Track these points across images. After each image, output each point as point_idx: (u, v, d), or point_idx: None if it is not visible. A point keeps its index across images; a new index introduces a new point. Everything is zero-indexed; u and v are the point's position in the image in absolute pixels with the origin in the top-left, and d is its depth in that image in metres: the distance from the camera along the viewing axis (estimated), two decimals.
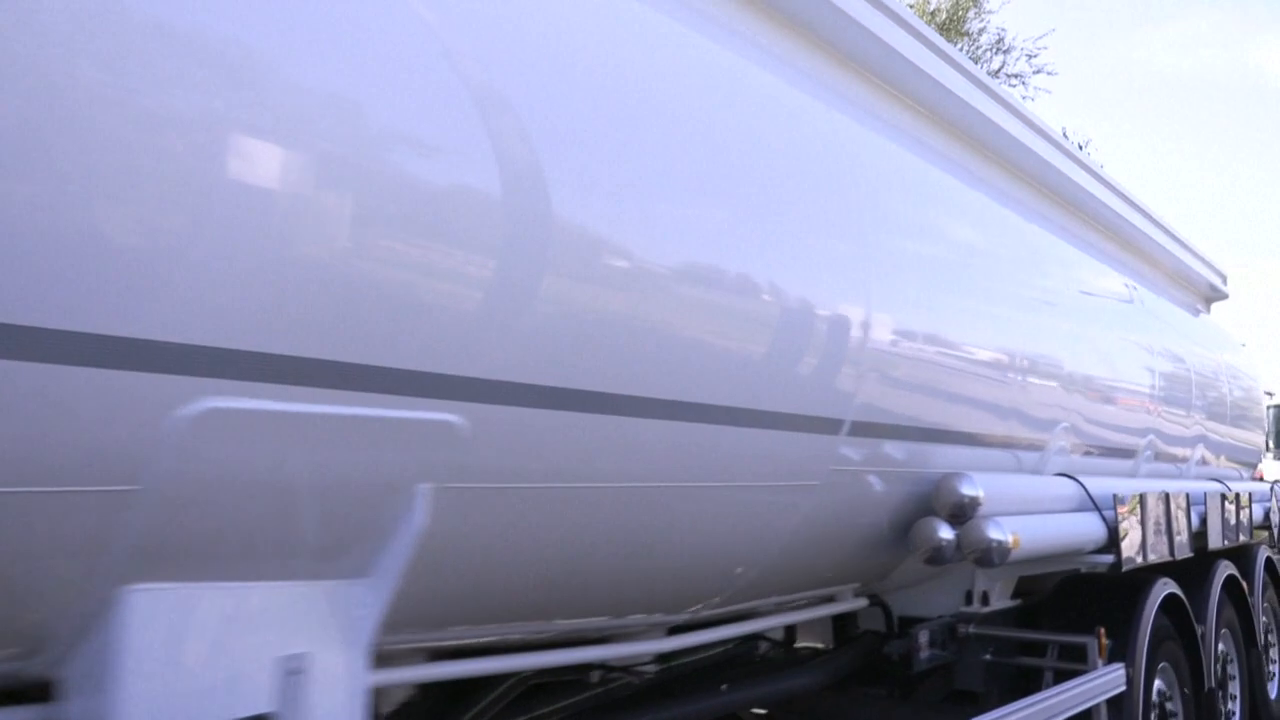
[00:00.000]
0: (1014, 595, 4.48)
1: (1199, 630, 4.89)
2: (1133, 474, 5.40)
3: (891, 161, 3.47)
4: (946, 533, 3.35)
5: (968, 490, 3.34)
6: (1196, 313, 7.95)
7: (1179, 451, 6.08)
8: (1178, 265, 7.12)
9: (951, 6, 21.38)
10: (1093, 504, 4.10)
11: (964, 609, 4.25)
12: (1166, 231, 6.53)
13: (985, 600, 4.27)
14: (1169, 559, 4.60)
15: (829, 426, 2.89)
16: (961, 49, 19.99)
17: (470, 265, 1.88)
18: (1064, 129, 23.04)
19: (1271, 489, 7.10)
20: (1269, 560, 6.59)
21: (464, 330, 1.88)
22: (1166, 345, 6.08)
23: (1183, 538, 4.85)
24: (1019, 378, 3.92)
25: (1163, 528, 4.61)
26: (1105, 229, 5.74)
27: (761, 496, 2.85)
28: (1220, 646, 5.45)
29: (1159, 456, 5.72)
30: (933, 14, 20.99)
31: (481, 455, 2.00)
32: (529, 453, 2.12)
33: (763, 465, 2.79)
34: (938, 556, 3.36)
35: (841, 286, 2.93)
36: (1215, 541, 5.39)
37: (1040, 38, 29.23)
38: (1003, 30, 23.57)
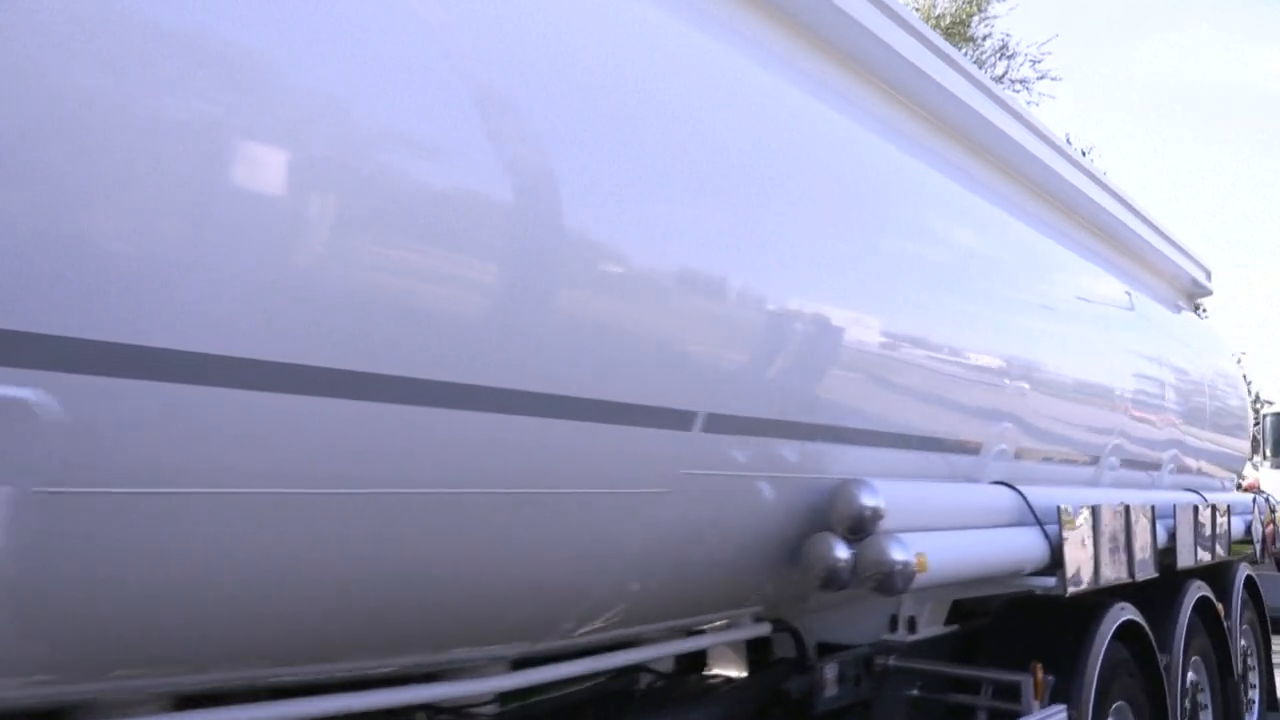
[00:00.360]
0: (953, 619, 3.91)
1: (1162, 661, 4.31)
2: (1094, 482, 4.82)
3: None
4: (842, 551, 2.76)
5: (867, 500, 2.75)
6: (1178, 309, 7.38)
7: (1150, 458, 5.50)
8: (1153, 255, 6.53)
9: (956, 11, 21.18)
10: (1033, 517, 3.52)
11: (886, 637, 3.68)
12: (1139, 216, 5.94)
13: (912, 627, 3.70)
14: (1127, 580, 4.02)
15: (676, 420, 2.31)
16: (966, 54, 19.96)
17: None
18: (1067, 135, 22.98)
19: (1254, 500, 6.51)
20: (1249, 579, 6.01)
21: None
22: (1138, 339, 5.50)
23: (1145, 556, 4.26)
24: (946, 366, 3.33)
25: (1121, 544, 4.02)
26: (1066, 207, 5.15)
27: (593, 506, 2.27)
28: (1190, 677, 4.87)
29: (1126, 463, 5.13)
30: (938, 18, 20.85)
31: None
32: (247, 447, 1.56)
33: (589, 468, 2.21)
34: (833, 579, 2.77)
35: (703, 248, 2.36)
36: (1186, 559, 4.81)
37: (1045, 43, 28.89)
38: (1007, 36, 23.08)
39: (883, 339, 3.02)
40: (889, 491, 2.80)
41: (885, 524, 2.74)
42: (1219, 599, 5.38)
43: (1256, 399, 31.27)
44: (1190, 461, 6.16)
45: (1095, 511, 3.77)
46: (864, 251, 3.01)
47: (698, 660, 3.85)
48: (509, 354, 1.94)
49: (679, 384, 2.30)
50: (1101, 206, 5.43)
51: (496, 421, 1.96)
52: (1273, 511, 6.90)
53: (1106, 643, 3.78)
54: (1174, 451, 5.79)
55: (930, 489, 3.07)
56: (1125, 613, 3.98)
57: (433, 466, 1.89)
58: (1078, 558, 3.59)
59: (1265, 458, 22.12)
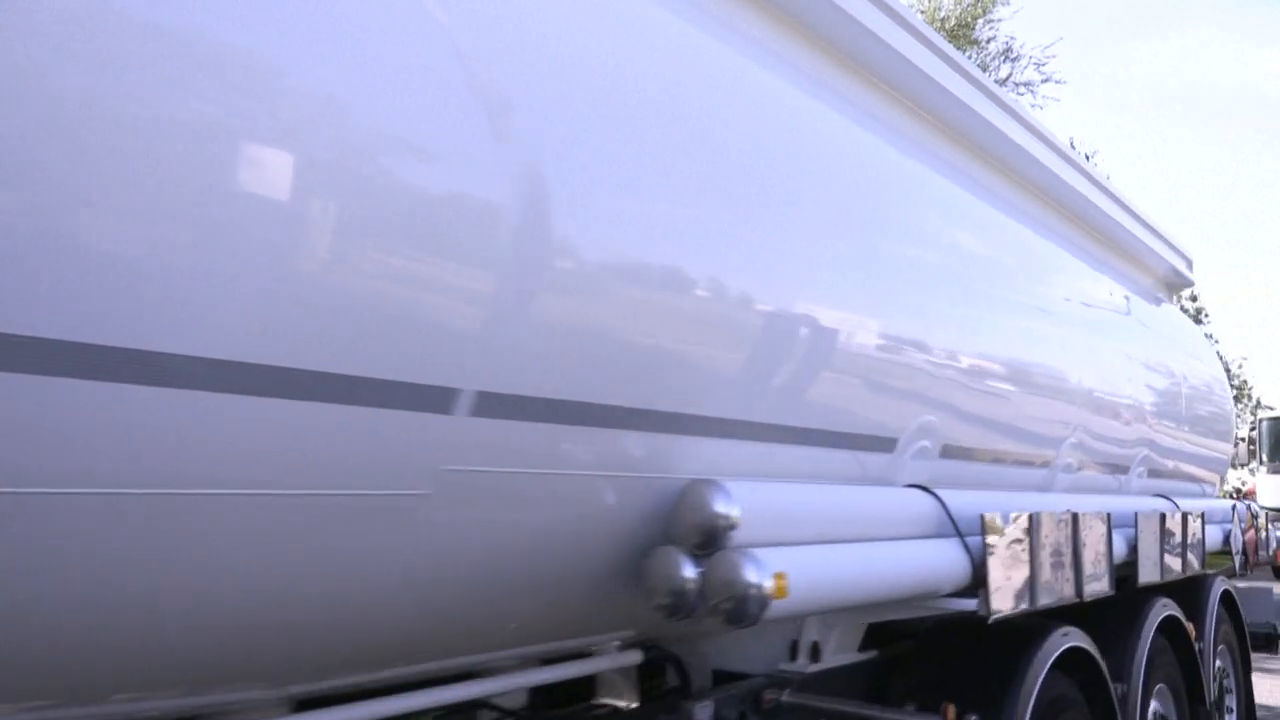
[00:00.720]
0: (874, 642, 3.36)
1: (1117, 692, 3.75)
2: (1046, 487, 4.26)
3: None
4: (689, 571, 2.21)
5: (719, 505, 2.20)
6: (1156, 300, 6.83)
7: (1115, 459, 4.94)
8: (1127, 240, 5.97)
9: (960, 14, 21.20)
10: (953, 527, 2.96)
11: (783, 667, 3.13)
12: (1104, 190, 5.38)
13: (815, 654, 3.14)
14: (1073, 600, 3.47)
15: (431, 400, 1.76)
16: (970, 57, 20.15)
17: None
18: (1071, 139, 23.46)
19: (1234, 507, 5.95)
20: (1226, 594, 5.45)
21: None
22: (1103, 326, 4.95)
23: (1099, 571, 3.71)
24: (841, 345, 2.78)
25: (1067, 558, 3.47)
26: (1020, 177, 4.59)
27: (325, 512, 1.72)
28: (1154, 707, 4.31)
29: (1086, 465, 4.58)
30: (942, 20, 20.88)
31: None
32: None
33: (313, 462, 1.66)
34: (680, 606, 2.22)
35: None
36: (1149, 575, 4.25)
37: (1049, 46, 28.57)
38: (1011, 39, 23.44)
39: (760, 306, 2.47)
40: (749, 495, 2.25)
41: (740, 536, 2.19)
42: (1190, 618, 4.83)
43: (1257, 404, 30.73)
44: (1164, 464, 5.60)
45: (1034, 520, 3.22)
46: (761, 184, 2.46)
47: (588, 686, 3.31)
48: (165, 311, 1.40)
49: (433, 353, 1.75)
50: (1061, 179, 4.87)
51: (155, 398, 1.42)
52: (1254, 518, 6.34)
53: (1044, 673, 3.22)
54: (1144, 453, 5.23)
55: (808, 492, 2.51)
56: (1069, 638, 3.42)
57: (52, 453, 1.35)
58: (1008, 574, 3.03)
59: (1262, 463, 21.57)
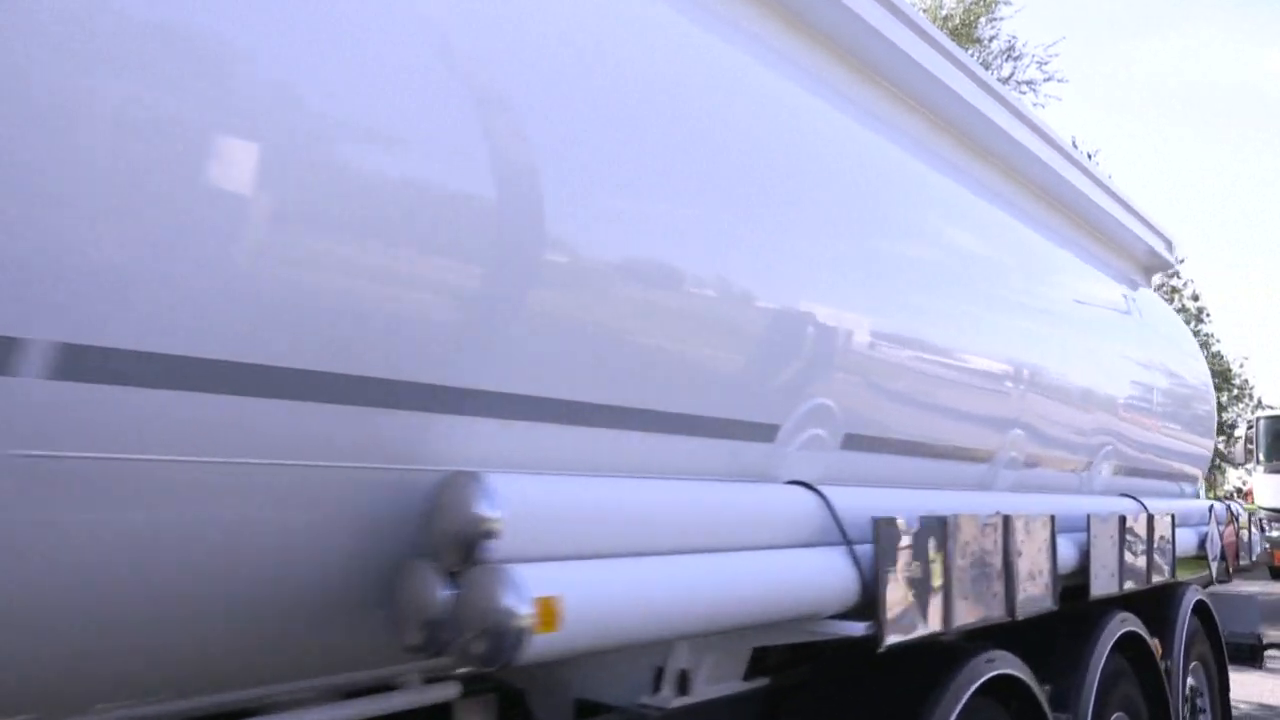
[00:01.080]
0: (767, 667, 2.82)
1: None
2: (986, 485, 3.72)
3: None
4: (440, 594, 1.67)
5: (480, 506, 1.65)
6: (1133, 284, 6.29)
7: (1073, 455, 4.40)
8: (1094, 214, 5.42)
9: (964, 12, 21.15)
10: (840, 534, 2.41)
11: (645, 700, 2.59)
12: (1074, 162, 4.83)
13: (683, 686, 2.60)
14: (1002, 620, 2.93)
15: None
16: (972, 55, 20.08)
17: None
18: (1073, 138, 23.41)
19: (1210, 508, 5.39)
20: (1200, 604, 4.90)
21: None
22: (1062, 309, 4.40)
23: (1038, 584, 3.17)
24: (700, 311, 2.24)
25: (995, 570, 2.93)
26: (977, 145, 4.04)
27: None
28: None
29: (1038, 461, 4.04)
30: (945, 19, 20.83)
31: None
32: None
33: None
34: (433, 640, 1.68)
35: None
36: (1105, 587, 3.71)
37: (1051, 45, 28.29)
38: (1014, 38, 23.07)
39: (559, 258, 1.92)
40: (521, 492, 1.70)
41: (501, 546, 1.64)
42: (1156, 633, 4.28)
43: (1258, 404, 30.25)
44: (1134, 460, 5.05)
45: (949, 525, 2.67)
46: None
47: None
48: None
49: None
50: (1017, 141, 4.32)
51: None
52: (1235, 519, 5.79)
53: (963, 703, 2.68)
54: (1109, 447, 4.68)
55: (616, 489, 1.94)
56: (996, 665, 2.87)
57: None
58: (911, 591, 2.49)
59: (1259, 463, 21.01)
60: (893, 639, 2.35)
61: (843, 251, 2.83)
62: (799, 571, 2.26)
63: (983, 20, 21.54)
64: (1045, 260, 4.46)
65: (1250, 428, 21.35)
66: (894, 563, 2.40)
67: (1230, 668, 5.54)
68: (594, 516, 1.82)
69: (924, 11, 20.05)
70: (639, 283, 2.10)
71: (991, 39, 21.80)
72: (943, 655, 2.81)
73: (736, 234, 2.40)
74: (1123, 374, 4.89)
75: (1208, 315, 31.64)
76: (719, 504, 2.15)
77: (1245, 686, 6.91)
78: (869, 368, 2.85)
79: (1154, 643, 4.15)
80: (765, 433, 2.53)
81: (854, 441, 2.85)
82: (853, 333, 2.76)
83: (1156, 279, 7.40)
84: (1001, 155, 4.32)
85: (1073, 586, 3.66)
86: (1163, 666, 4.18)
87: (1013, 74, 21.83)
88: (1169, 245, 6.68)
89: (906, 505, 2.72)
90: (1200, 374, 6.43)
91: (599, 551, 1.79)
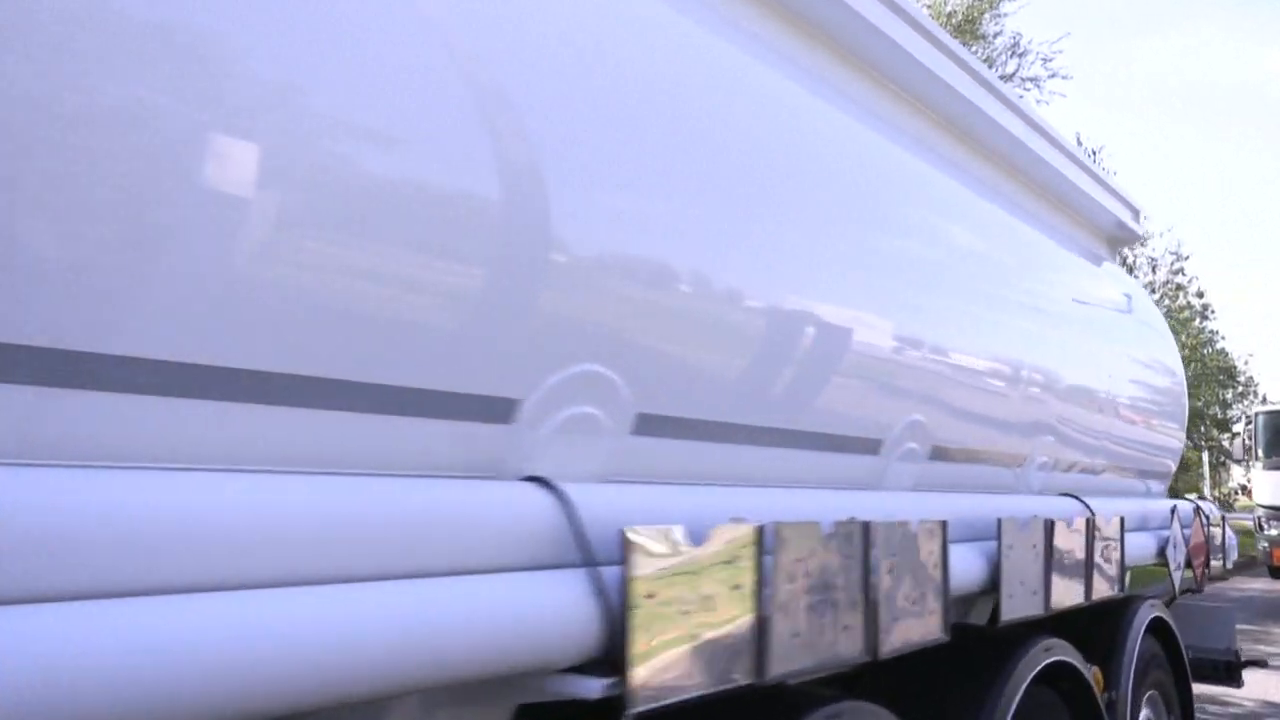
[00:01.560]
0: None
1: None
2: (874, 485, 3.01)
3: None
4: None
5: None
6: (1099, 261, 5.60)
7: (1000, 448, 3.69)
8: (1046, 174, 4.71)
9: (967, 9, 20.99)
10: (576, 548, 1.71)
11: None
12: (1021, 113, 4.11)
13: None
14: (861, 661, 2.22)
15: None
16: (976, 52, 20.06)
17: None
18: (1078, 135, 23.23)
19: (1174, 509, 4.67)
20: (1156, 621, 4.19)
21: None
22: (990, 278, 3.70)
23: (920, 610, 2.46)
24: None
25: (849, 596, 2.22)
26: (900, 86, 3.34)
27: None
28: None
29: (948, 454, 3.33)
30: (949, 15, 20.63)
31: None
32: None
33: None
34: None
35: None
36: (1022, 608, 3.00)
37: (1056, 41, 28.01)
38: (1018, 34, 22.54)
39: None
40: None
41: None
42: (1099, 659, 3.58)
43: (1263, 400, 29.68)
44: (1081, 456, 4.35)
45: (762, 537, 1.96)
46: None
47: None
48: None
49: None
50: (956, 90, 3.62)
51: None
52: (1205, 520, 5.07)
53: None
54: (1046, 439, 3.97)
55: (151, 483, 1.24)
56: (844, 717, 2.17)
57: None
58: (688, 633, 1.77)
59: (1257, 459, 20.30)
60: (638, 709, 1.63)
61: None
62: (507, 606, 1.55)
63: (986, 16, 21.35)
64: (987, 220, 3.75)
65: (1249, 423, 20.67)
66: (653, 594, 1.69)
67: (1232, 682, 4.94)
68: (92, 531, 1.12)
69: (927, 8, 19.80)
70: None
71: (996, 35, 21.69)
72: (788, 701, 2.10)
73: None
74: (1067, 352, 4.18)
75: (1212, 312, 31.18)
76: (363, 506, 1.43)
77: (1250, 685, 6.43)
78: (670, 321, 2.15)
79: (1093, 672, 3.44)
80: (495, 411, 1.82)
81: (654, 426, 2.15)
82: (625, 273, 2.05)
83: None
84: (940, 107, 3.62)
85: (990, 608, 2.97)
86: (1103, 701, 3.47)
87: (1017, 70, 21.70)
88: (1135, 215, 5.98)
89: (721, 507, 2.02)
90: (1169, 359, 5.72)
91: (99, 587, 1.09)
